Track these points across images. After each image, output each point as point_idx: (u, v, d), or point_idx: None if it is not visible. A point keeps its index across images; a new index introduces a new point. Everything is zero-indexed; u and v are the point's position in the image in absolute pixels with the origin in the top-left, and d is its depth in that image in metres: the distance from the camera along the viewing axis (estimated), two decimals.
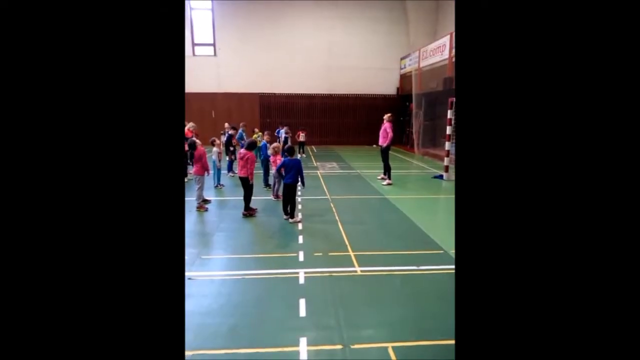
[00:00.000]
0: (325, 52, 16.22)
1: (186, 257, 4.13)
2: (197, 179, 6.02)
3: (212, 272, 3.82)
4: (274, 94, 16.27)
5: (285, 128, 11.93)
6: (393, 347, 2.58)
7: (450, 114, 8.41)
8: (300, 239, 4.72)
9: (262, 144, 7.49)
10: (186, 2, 15.61)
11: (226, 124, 10.02)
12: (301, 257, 4.13)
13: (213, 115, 15.77)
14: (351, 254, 4.26)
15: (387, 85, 16.65)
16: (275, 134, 11.81)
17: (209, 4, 15.85)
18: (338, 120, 16.78)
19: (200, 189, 6.02)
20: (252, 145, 5.75)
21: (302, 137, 12.77)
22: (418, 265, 3.94)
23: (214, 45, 16.07)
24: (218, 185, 7.64)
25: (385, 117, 7.92)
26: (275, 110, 16.24)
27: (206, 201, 6.25)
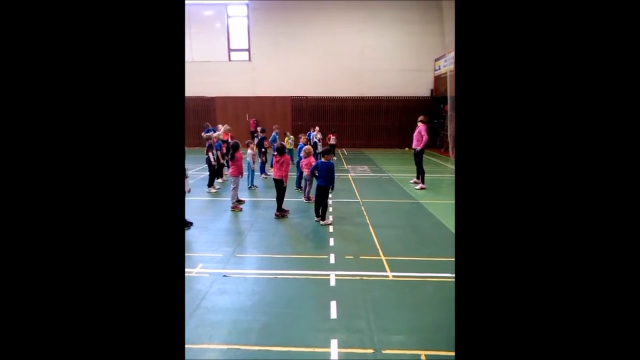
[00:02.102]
0: (357, 55, 16.19)
1: (221, 255, 4.30)
2: (233, 179, 6.24)
3: (246, 270, 3.94)
4: (306, 97, 16.48)
5: (315, 131, 12.01)
6: (426, 355, 2.52)
7: None
8: (332, 242, 4.73)
9: (298, 146, 7.60)
10: (223, 10, 16.27)
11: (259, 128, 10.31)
12: (332, 260, 4.15)
13: (247, 119, 16.25)
14: (383, 258, 4.21)
15: (420, 87, 16.28)
16: (306, 137, 11.93)
17: (244, 11, 16.42)
18: (369, 123, 16.63)
19: (235, 189, 6.23)
20: (281, 150, 5.85)
21: (332, 139, 12.83)
22: (452, 273, 3.80)
23: (248, 50, 16.60)
24: (251, 186, 7.86)
25: (420, 119, 7.75)
26: (307, 113, 16.43)
27: (240, 201, 6.46)
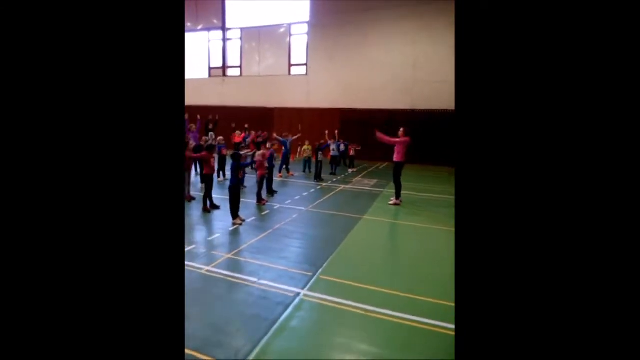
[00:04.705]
0: (409, 66, 16.05)
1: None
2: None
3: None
4: (355, 109, 16.90)
5: (332, 141, 12.26)
6: None
7: None
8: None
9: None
10: (287, 29, 17.84)
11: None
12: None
13: (299, 128, 17.38)
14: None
15: None
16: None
17: (305, 29, 17.73)
18: (420, 137, 16.12)
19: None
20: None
21: (352, 151, 13.67)
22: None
23: (306, 65, 17.81)
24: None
25: None
26: (354, 124, 16.80)
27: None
